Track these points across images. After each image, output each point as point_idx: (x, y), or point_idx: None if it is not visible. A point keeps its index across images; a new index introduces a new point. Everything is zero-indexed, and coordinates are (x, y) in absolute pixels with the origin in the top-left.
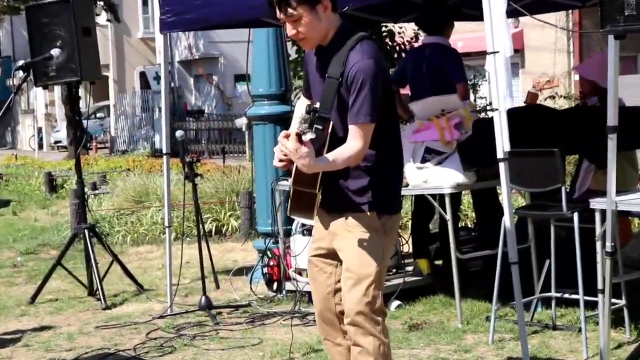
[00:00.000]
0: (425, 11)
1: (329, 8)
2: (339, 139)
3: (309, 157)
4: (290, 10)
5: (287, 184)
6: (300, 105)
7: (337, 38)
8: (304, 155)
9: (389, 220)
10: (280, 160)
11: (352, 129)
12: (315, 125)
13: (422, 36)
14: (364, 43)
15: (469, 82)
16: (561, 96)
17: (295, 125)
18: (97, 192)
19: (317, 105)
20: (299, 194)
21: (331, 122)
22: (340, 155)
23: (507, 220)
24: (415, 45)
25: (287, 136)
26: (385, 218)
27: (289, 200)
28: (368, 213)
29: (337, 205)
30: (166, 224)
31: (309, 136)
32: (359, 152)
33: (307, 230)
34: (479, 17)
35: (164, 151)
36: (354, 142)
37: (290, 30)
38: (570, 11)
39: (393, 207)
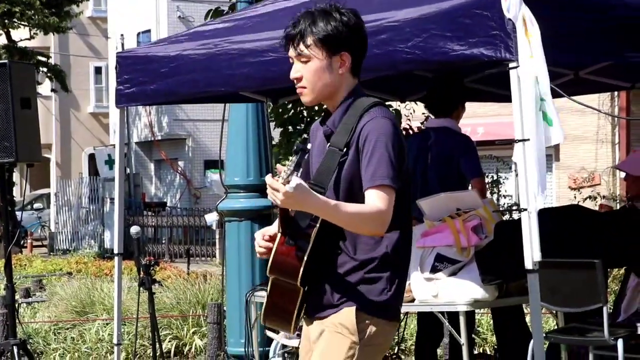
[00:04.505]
0: (432, 87)
1: (346, 65)
2: (332, 225)
3: (298, 189)
4: (302, 47)
5: (264, 295)
6: None
7: (347, 103)
8: (290, 188)
9: (377, 324)
10: (260, 247)
11: (370, 194)
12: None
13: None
14: (378, 107)
15: (492, 177)
16: (603, 196)
17: (273, 224)
18: (30, 300)
19: (309, 145)
20: (277, 290)
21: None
22: (353, 206)
23: (535, 347)
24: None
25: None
26: (371, 321)
27: (265, 301)
28: (348, 308)
29: (317, 308)
30: (115, 341)
31: (294, 181)
32: (380, 213)
33: (290, 354)
34: (502, 96)
35: (115, 251)
36: (375, 202)
37: (294, 72)
38: (616, 94)
39: (383, 309)
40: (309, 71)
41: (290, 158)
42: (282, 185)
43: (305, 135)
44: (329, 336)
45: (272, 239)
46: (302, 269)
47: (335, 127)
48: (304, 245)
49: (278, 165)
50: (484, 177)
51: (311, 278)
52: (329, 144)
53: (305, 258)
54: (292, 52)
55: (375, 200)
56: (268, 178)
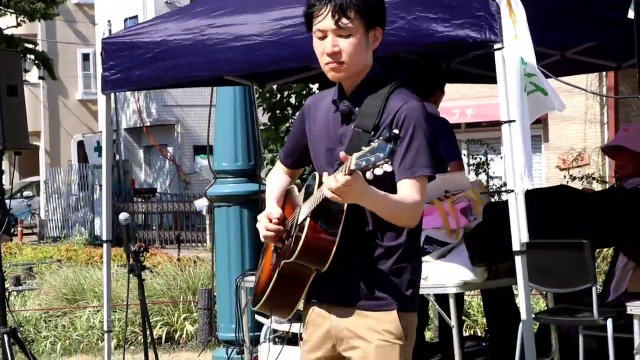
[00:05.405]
0: (413, 71)
1: (378, 41)
2: (360, 209)
3: (362, 185)
4: (344, 21)
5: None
6: (276, 179)
7: (366, 84)
8: (355, 184)
9: (411, 319)
10: (269, 231)
11: (406, 183)
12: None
13: None
14: (403, 88)
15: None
16: (596, 179)
17: (270, 205)
18: (21, 288)
19: (396, 131)
20: (287, 274)
21: None
22: (396, 197)
23: (525, 328)
24: None
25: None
26: (407, 318)
27: (267, 287)
28: (388, 312)
29: (342, 295)
30: (105, 328)
31: (385, 168)
32: (417, 205)
33: (280, 338)
34: (489, 78)
35: (104, 238)
36: (411, 194)
37: (331, 46)
38: (604, 74)
39: (412, 303)
40: (350, 46)
41: (373, 144)
42: (347, 176)
43: (292, 120)
44: (375, 350)
45: (280, 221)
46: (332, 253)
47: (355, 106)
48: (335, 229)
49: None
50: (462, 159)
51: (337, 263)
52: (353, 125)
53: (337, 242)
54: (328, 24)
55: (412, 191)
56: (329, 179)
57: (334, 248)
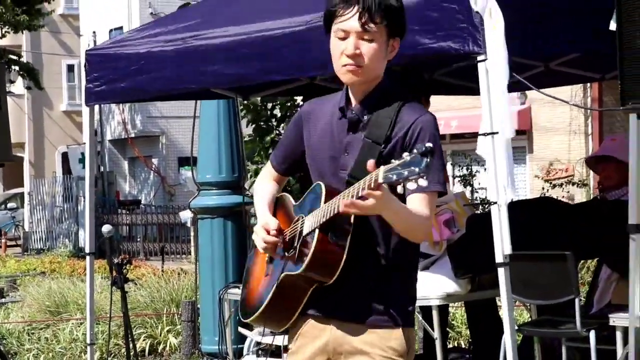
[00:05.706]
0: (400, 81)
1: (395, 52)
2: (367, 223)
3: (388, 195)
4: (371, 25)
5: (238, 292)
6: (264, 186)
7: (377, 93)
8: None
9: (412, 334)
10: (267, 243)
11: (417, 198)
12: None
13: None
14: (413, 101)
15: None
16: (576, 183)
17: (265, 214)
18: (4, 300)
19: (427, 144)
20: (287, 287)
21: None
22: (412, 211)
23: (508, 340)
24: None
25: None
26: (408, 333)
27: (264, 300)
28: (393, 329)
29: (346, 309)
30: (88, 340)
31: (420, 183)
32: (428, 219)
33: (263, 350)
34: (473, 89)
35: (87, 250)
36: (422, 209)
37: (353, 47)
38: (588, 85)
39: (412, 317)
40: (372, 50)
41: (405, 157)
42: (377, 190)
43: (276, 132)
44: None
45: (278, 232)
46: (341, 266)
47: (364, 115)
48: (343, 241)
49: (371, 161)
50: (446, 170)
51: (342, 276)
52: (363, 135)
53: (345, 254)
54: (353, 25)
55: (423, 206)
56: (354, 202)
57: (343, 260)
